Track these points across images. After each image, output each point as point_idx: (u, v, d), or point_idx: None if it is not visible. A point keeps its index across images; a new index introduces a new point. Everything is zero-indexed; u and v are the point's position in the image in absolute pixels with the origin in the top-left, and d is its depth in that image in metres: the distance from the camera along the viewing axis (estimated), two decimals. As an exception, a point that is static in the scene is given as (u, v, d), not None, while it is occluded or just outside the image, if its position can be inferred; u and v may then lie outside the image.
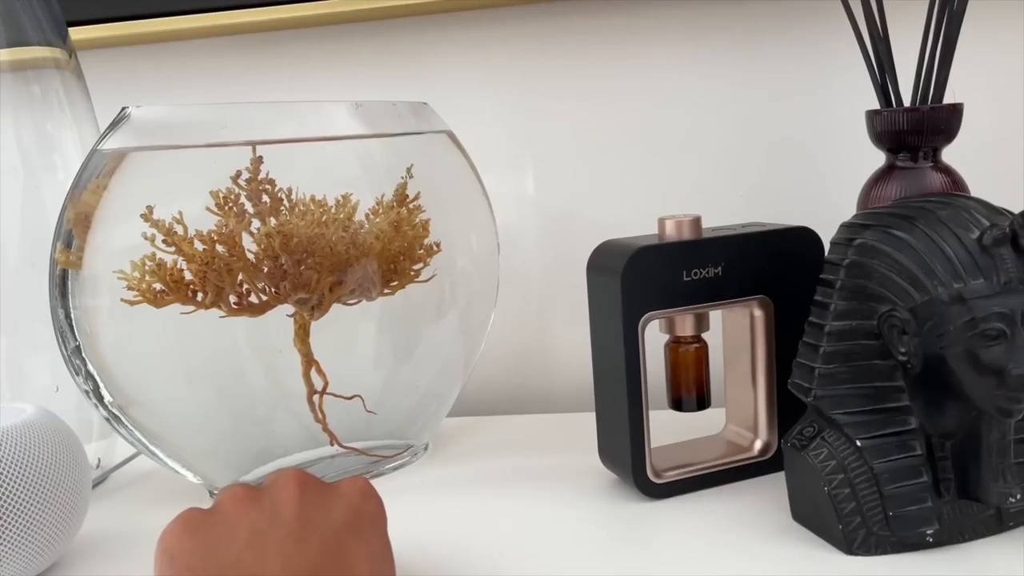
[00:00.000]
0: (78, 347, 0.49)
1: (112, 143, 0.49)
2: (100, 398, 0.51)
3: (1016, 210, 0.39)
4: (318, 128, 0.53)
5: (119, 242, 0.49)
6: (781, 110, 0.67)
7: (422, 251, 0.54)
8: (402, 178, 0.53)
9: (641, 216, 0.62)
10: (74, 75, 0.59)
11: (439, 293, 0.55)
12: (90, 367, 0.50)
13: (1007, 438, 0.39)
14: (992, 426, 0.38)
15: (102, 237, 0.50)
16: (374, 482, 0.54)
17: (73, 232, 0.50)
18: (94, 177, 0.49)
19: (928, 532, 0.39)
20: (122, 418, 0.51)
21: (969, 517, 0.40)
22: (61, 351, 0.50)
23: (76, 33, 0.65)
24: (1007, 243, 0.36)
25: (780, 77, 0.66)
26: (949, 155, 0.51)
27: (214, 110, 0.51)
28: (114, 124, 0.49)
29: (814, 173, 0.67)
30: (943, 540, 0.40)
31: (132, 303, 0.47)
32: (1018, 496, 0.38)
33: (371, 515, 0.36)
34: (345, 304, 0.52)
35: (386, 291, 0.53)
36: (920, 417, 0.40)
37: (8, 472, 0.40)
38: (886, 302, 0.39)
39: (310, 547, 0.32)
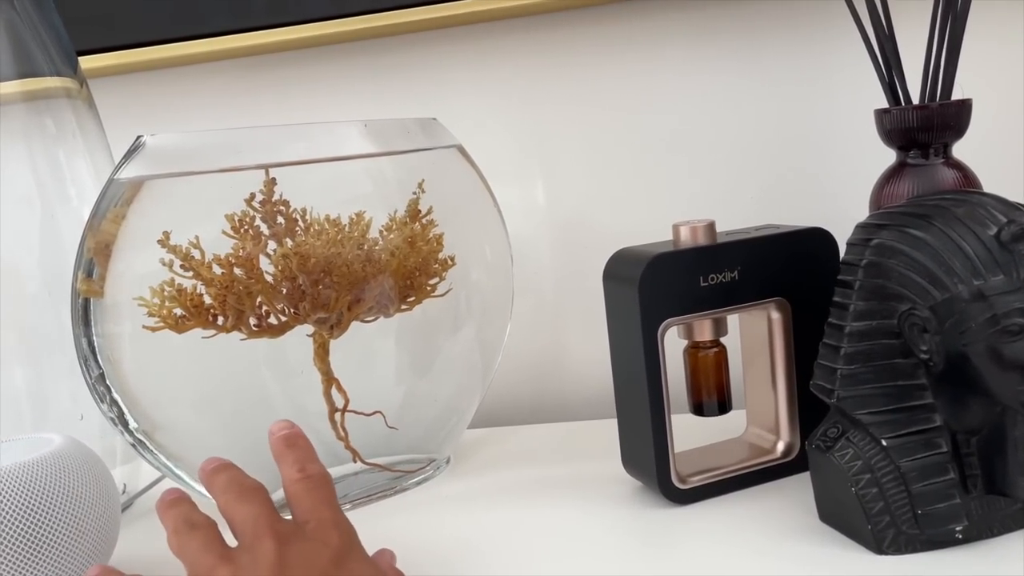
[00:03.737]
0: (102, 374, 0.50)
1: (128, 172, 0.49)
2: (125, 424, 0.51)
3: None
4: (329, 148, 0.53)
5: (139, 269, 0.50)
6: (788, 111, 0.67)
7: (437, 265, 0.54)
8: (414, 194, 0.53)
9: (653, 221, 0.62)
10: (86, 104, 0.59)
11: (455, 306, 0.56)
12: (114, 394, 0.50)
13: (1033, 433, 0.39)
14: (1017, 421, 0.39)
15: (123, 265, 0.50)
16: (397, 498, 0.55)
17: (94, 261, 0.51)
18: (112, 206, 0.50)
19: (957, 529, 0.39)
20: (147, 443, 0.51)
21: (997, 512, 0.40)
22: (85, 379, 0.51)
23: (86, 62, 0.65)
24: (1025, 239, 0.36)
25: (786, 78, 0.67)
26: (960, 150, 0.51)
27: (226, 135, 0.52)
28: (130, 153, 0.50)
29: (824, 173, 0.67)
30: (972, 536, 0.40)
31: (154, 329, 0.48)
32: (1046, 490, 0.38)
33: (346, 546, 0.36)
34: (363, 321, 0.52)
35: (403, 307, 0.53)
36: (944, 414, 0.40)
37: (41, 502, 0.40)
38: (906, 301, 0.39)
39: None
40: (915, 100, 0.51)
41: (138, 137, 0.50)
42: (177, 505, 0.38)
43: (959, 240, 0.37)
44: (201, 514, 0.38)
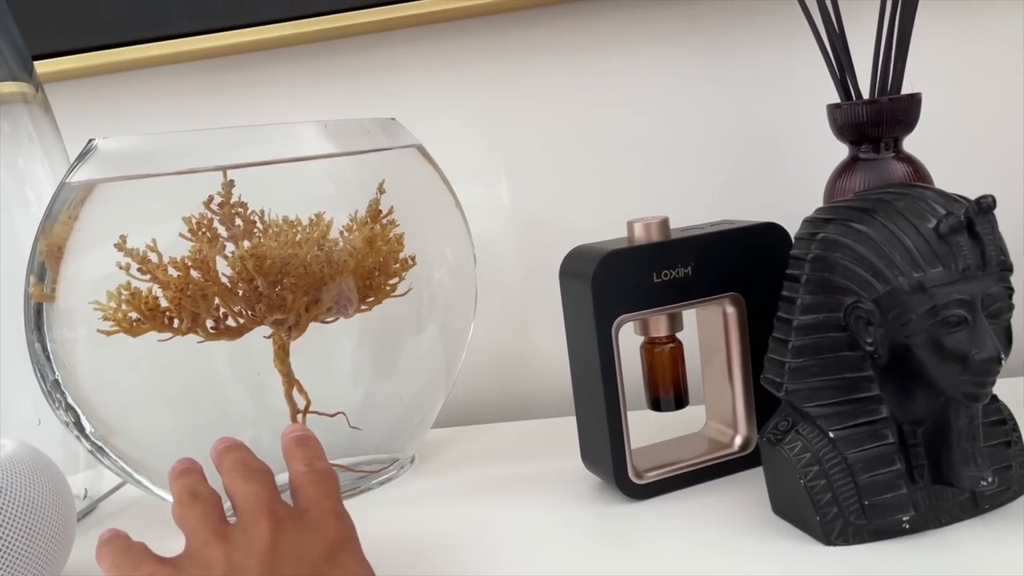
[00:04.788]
0: (57, 380, 0.50)
1: (80, 175, 0.49)
2: (82, 429, 0.51)
3: (975, 195, 0.40)
4: (288, 149, 0.53)
5: (93, 272, 0.49)
6: (746, 108, 0.67)
7: (397, 265, 0.54)
8: (374, 194, 0.53)
9: (617, 218, 0.62)
10: (42, 108, 0.59)
11: (417, 306, 0.56)
12: (70, 399, 0.50)
13: (975, 422, 0.39)
14: (960, 411, 0.39)
15: (75, 268, 0.50)
16: (361, 498, 0.55)
17: (46, 265, 0.50)
18: (64, 208, 0.50)
19: (904, 519, 0.40)
20: (105, 448, 0.51)
21: (945, 501, 0.41)
22: (40, 385, 0.51)
23: (42, 67, 0.65)
24: (963, 231, 0.36)
25: (743, 76, 0.67)
26: (910, 144, 0.52)
27: (182, 137, 0.51)
28: (82, 156, 0.50)
29: (782, 168, 0.67)
30: (920, 526, 0.41)
31: (109, 333, 0.47)
32: (989, 479, 0.39)
33: (343, 539, 0.36)
34: (323, 322, 0.52)
35: (363, 307, 0.54)
36: (890, 405, 0.41)
37: (-10, 509, 0.40)
38: (851, 294, 0.39)
39: None
40: (865, 95, 0.51)
41: (90, 140, 0.49)
42: (185, 476, 0.38)
43: (899, 233, 0.38)
44: (206, 486, 0.38)
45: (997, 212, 0.37)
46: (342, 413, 0.54)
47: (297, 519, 0.36)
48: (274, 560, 0.33)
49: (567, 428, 0.55)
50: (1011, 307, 0.38)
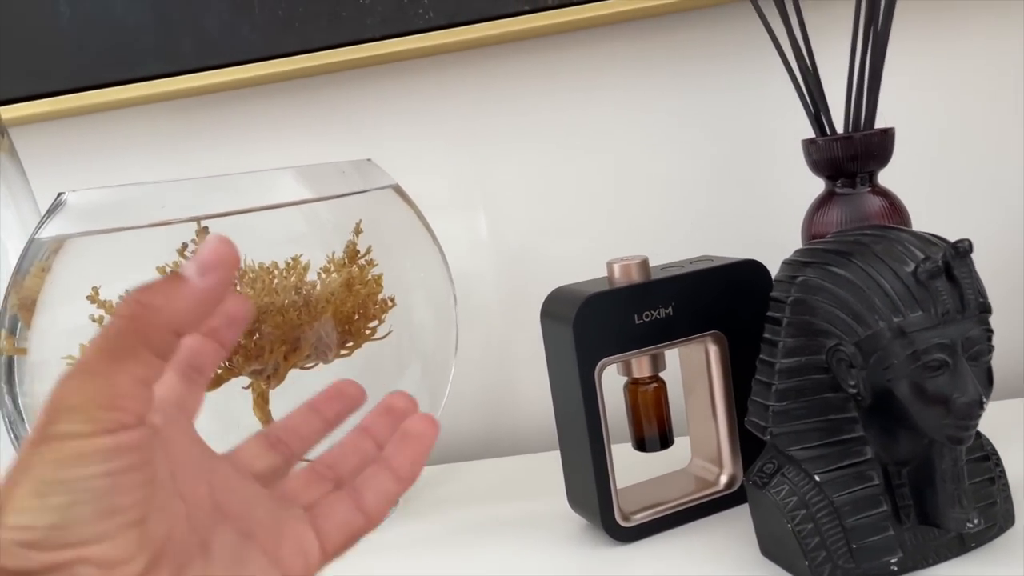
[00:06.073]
0: (29, 438, 0.48)
1: (50, 229, 0.48)
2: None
3: (954, 232, 0.40)
4: (262, 195, 0.52)
5: (66, 324, 0.48)
6: (722, 143, 0.68)
7: (377, 307, 0.54)
8: (351, 235, 0.53)
9: (596, 252, 0.62)
10: (8, 154, 0.58)
11: (398, 347, 0.55)
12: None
13: (959, 464, 0.39)
14: (944, 453, 0.39)
15: (48, 321, 0.49)
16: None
17: (18, 317, 0.49)
18: (36, 262, 0.49)
19: (892, 561, 0.40)
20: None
21: (931, 541, 0.41)
22: (12, 442, 0.49)
23: (7, 111, 0.64)
24: (941, 275, 0.37)
25: (719, 111, 0.67)
26: (885, 178, 0.52)
27: (152, 188, 0.51)
28: (51, 210, 0.49)
29: (759, 203, 0.68)
30: (908, 567, 0.41)
31: (81, 389, 0.46)
32: (975, 521, 0.39)
33: None
34: (302, 368, 0.51)
35: (343, 352, 0.53)
36: (875, 446, 0.41)
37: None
38: (832, 337, 0.39)
39: None
40: (840, 130, 0.51)
41: (59, 194, 0.49)
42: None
43: (878, 277, 0.38)
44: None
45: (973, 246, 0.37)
46: (323, 459, 0.53)
47: None
48: None
49: (552, 464, 0.55)
50: (991, 349, 0.38)
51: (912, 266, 0.37)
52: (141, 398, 0.24)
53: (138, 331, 0.24)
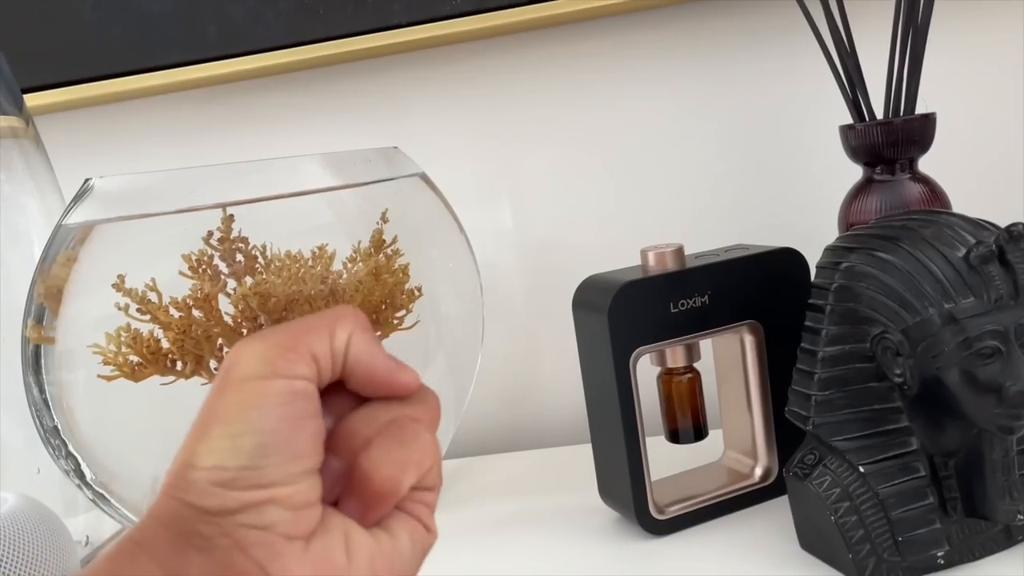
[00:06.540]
0: (56, 427, 0.48)
1: (77, 216, 0.48)
2: (82, 476, 0.49)
3: (996, 219, 0.39)
4: (288, 182, 0.52)
5: (93, 313, 0.48)
6: (755, 129, 0.67)
7: (404, 297, 0.53)
8: (378, 224, 0.52)
9: (623, 241, 0.61)
10: (33, 142, 0.57)
11: (424, 338, 0.54)
12: (70, 447, 0.48)
13: (1010, 455, 0.38)
14: (994, 444, 0.38)
15: (75, 310, 0.48)
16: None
17: (45, 306, 0.49)
18: (63, 250, 0.48)
19: (939, 554, 0.39)
20: (106, 495, 0.49)
21: (978, 534, 0.40)
22: (39, 431, 0.49)
23: (32, 100, 0.63)
24: (994, 260, 0.35)
25: (752, 96, 0.66)
26: (925, 165, 0.51)
27: (180, 175, 0.50)
28: (78, 196, 0.48)
29: (793, 190, 0.66)
30: (954, 560, 0.40)
31: (109, 379, 0.46)
32: (1026, 513, 0.38)
33: None
34: (329, 358, 0.51)
35: (370, 342, 0.52)
36: (921, 437, 0.39)
37: (-9, 569, 0.39)
38: (877, 325, 0.38)
39: None
40: (879, 116, 0.50)
41: (86, 180, 0.48)
42: None
43: (928, 262, 0.37)
44: None
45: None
46: (350, 450, 0.52)
47: None
48: None
49: (581, 457, 0.54)
50: (1044, 336, 0.37)
51: (963, 251, 0.36)
52: (311, 361, 0.25)
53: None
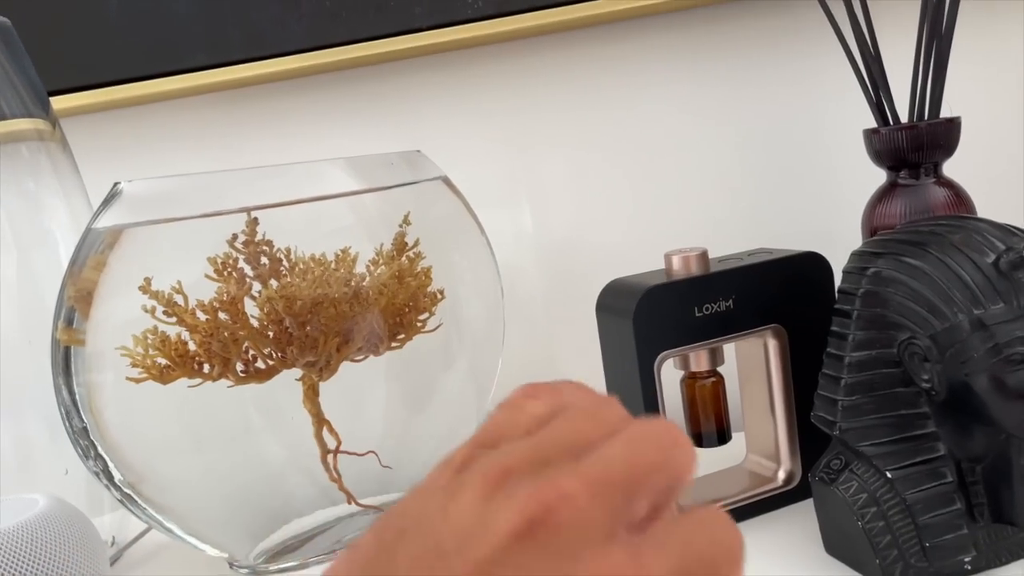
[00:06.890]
0: (85, 428, 0.48)
1: (106, 220, 0.48)
2: (110, 477, 0.50)
3: (1020, 223, 0.39)
4: (312, 186, 0.52)
5: (121, 316, 0.48)
6: (778, 132, 0.67)
7: (427, 299, 0.53)
8: (400, 227, 0.52)
9: (644, 244, 0.61)
10: (59, 145, 0.58)
11: (446, 341, 0.55)
12: (99, 448, 0.49)
13: (1039, 460, 0.38)
14: (1022, 449, 0.38)
15: (104, 312, 0.49)
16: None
17: (75, 309, 0.49)
18: (92, 254, 0.49)
19: (966, 560, 0.39)
20: (134, 496, 0.50)
21: (1005, 540, 0.40)
22: (67, 431, 0.49)
23: (58, 103, 0.64)
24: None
25: (775, 99, 0.66)
26: (950, 169, 0.51)
27: (205, 178, 0.50)
28: (107, 200, 0.49)
29: (816, 194, 0.66)
30: (981, 566, 0.40)
31: (137, 381, 0.46)
32: (1055, 519, 0.38)
33: None
34: (353, 361, 0.51)
35: (393, 344, 0.52)
36: (948, 443, 0.39)
37: (24, 569, 0.39)
38: (905, 330, 0.38)
39: None
40: (903, 119, 0.50)
41: (115, 184, 0.48)
42: None
43: (957, 268, 0.37)
44: None
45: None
46: (373, 452, 0.53)
47: None
48: None
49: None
50: (1074, 342, 0.37)
51: (993, 257, 0.36)
52: None
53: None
